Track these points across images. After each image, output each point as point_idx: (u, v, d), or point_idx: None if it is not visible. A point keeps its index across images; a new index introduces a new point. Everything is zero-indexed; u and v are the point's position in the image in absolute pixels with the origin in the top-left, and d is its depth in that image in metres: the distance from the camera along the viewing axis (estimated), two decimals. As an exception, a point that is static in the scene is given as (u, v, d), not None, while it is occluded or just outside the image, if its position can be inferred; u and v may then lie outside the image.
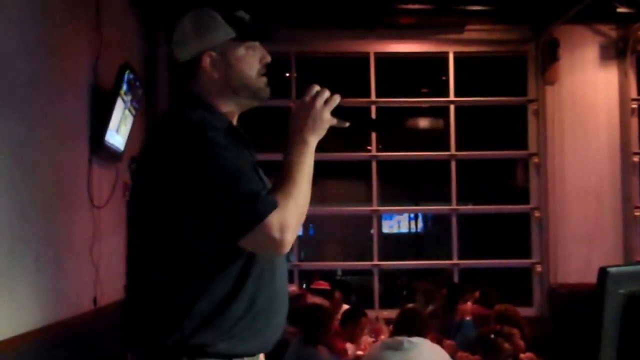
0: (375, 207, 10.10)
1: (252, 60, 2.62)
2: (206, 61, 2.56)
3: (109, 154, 6.85)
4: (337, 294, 8.24)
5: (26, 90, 5.17)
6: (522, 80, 10.08)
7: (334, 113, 2.52)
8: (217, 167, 2.30)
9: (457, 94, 10.03)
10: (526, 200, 10.08)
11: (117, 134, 6.90)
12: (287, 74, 10.16)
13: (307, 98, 2.51)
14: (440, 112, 10.48)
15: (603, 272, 1.84)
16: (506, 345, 5.65)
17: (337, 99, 2.53)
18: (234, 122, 2.68)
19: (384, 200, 10.44)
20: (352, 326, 6.85)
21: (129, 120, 7.22)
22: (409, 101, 10.39)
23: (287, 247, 2.33)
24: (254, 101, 2.68)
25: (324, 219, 11.01)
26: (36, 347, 5.14)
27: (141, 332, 2.44)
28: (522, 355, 5.94)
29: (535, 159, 9.93)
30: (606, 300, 1.83)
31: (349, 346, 6.73)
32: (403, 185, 11.61)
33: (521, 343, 5.96)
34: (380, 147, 10.09)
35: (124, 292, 2.63)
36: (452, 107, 10.01)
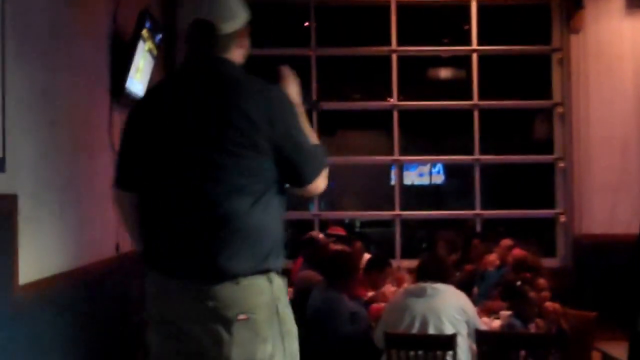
0: (396, 157, 10.01)
1: (248, 40, 3.06)
2: (242, 34, 2.98)
3: (129, 101, 6.78)
4: (358, 244, 8.20)
5: (48, 38, 5.11)
6: (546, 28, 9.92)
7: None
8: (299, 121, 2.81)
9: (479, 44, 9.88)
10: (550, 152, 9.96)
11: (137, 81, 6.84)
12: (307, 23, 10.04)
13: (286, 72, 3.07)
14: (462, 61, 10.33)
15: None
16: (532, 293, 5.59)
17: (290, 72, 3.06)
18: None
19: (405, 152, 10.33)
20: (376, 274, 6.81)
21: (149, 67, 7.15)
22: (430, 50, 10.26)
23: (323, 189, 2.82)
24: None
25: (345, 170, 10.90)
26: (60, 290, 5.14)
27: (242, 259, 2.73)
28: (547, 304, 5.88)
29: (560, 109, 9.79)
30: None
31: (371, 295, 6.70)
32: (425, 136, 11.49)
33: (546, 293, 5.91)
34: (401, 97, 9.97)
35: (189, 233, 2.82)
36: (474, 56, 9.88)
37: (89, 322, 5.72)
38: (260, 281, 2.77)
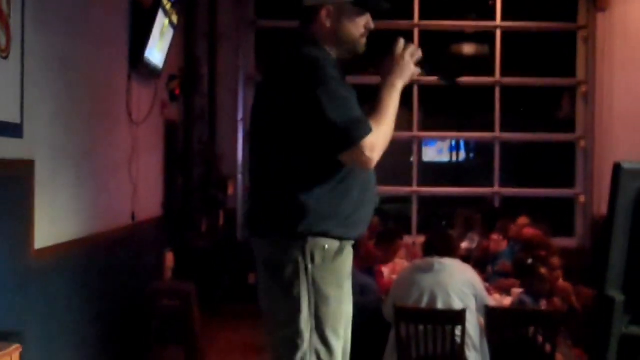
0: (415, 133, 10.00)
1: (359, 23, 3.11)
2: (324, 12, 3.08)
3: (148, 71, 6.81)
4: (374, 219, 8.19)
5: (67, 5, 5.13)
6: (572, 6, 9.83)
7: (417, 64, 3.08)
8: (332, 93, 2.87)
9: (504, 19, 9.81)
10: (572, 130, 9.91)
11: (157, 51, 6.85)
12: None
13: (398, 50, 3.07)
14: (485, 37, 10.26)
15: (617, 167, 1.94)
16: (543, 270, 5.58)
17: (420, 52, 3.11)
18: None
19: (425, 128, 10.31)
20: (387, 246, 6.79)
21: (168, 37, 7.16)
22: (453, 25, 10.20)
23: (374, 164, 2.92)
24: (349, 55, 3.17)
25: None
26: (74, 256, 5.20)
27: (275, 222, 3.01)
28: (559, 283, 5.88)
29: (583, 88, 9.73)
30: (619, 194, 1.94)
31: (385, 269, 6.70)
32: (445, 113, 11.45)
33: (559, 273, 5.90)
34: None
35: (250, 195, 3.25)
36: (498, 32, 9.81)
37: (103, 288, 5.78)
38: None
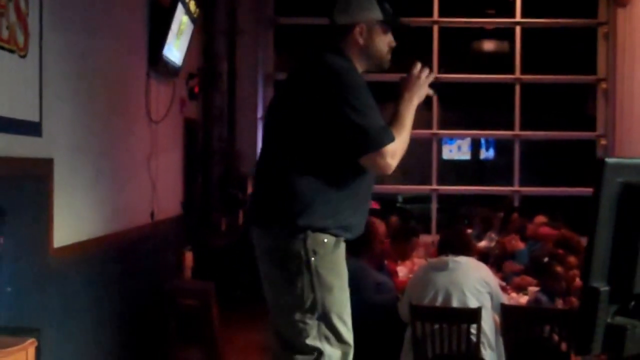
0: (435, 130, 9.99)
1: (386, 41, 3.40)
2: (357, 30, 3.35)
3: (166, 69, 6.84)
4: (393, 218, 8.19)
5: (85, 3, 5.16)
6: (592, 2, 9.78)
7: (430, 85, 3.36)
8: (362, 100, 3.13)
9: (523, 16, 9.78)
10: (592, 128, 9.86)
11: (175, 49, 6.88)
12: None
13: (415, 72, 3.32)
14: (505, 34, 10.24)
15: (601, 162, 2.03)
16: (559, 269, 5.56)
17: (433, 76, 3.37)
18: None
19: (444, 126, 10.31)
20: (403, 244, 6.78)
21: (187, 36, 7.18)
22: (473, 22, 10.19)
23: (391, 170, 3.17)
24: (376, 70, 3.45)
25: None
26: (93, 254, 5.23)
27: (277, 213, 3.21)
28: (577, 282, 5.86)
29: (604, 85, 9.69)
30: (603, 188, 2.03)
31: (401, 268, 6.69)
32: (465, 110, 11.44)
33: (575, 272, 5.86)
34: (442, 69, 9.93)
35: (255, 186, 3.51)
36: (518, 29, 9.78)
37: (122, 287, 5.81)
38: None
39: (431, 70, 3.38)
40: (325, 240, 3.18)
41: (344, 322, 3.24)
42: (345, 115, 3.09)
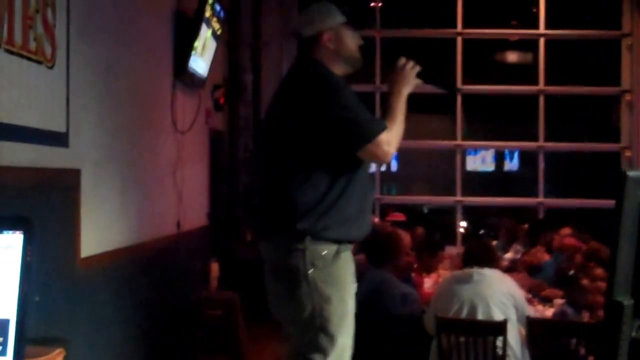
0: (459, 142, 9.97)
1: (355, 40, 3.54)
2: (325, 37, 3.49)
3: (192, 80, 6.87)
4: (419, 230, 8.18)
5: (112, 14, 5.20)
6: (616, 13, 9.73)
7: (418, 76, 3.47)
8: (348, 98, 3.29)
9: (547, 27, 9.75)
10: (616, 140, 9.81)
11: (200, 60, 6.91)
12: (372, 4, 10.04)
13: (400, 64, 3.45)
14: (529, 45, 10.22)
15: (623, 175, 2.00)
16: (585, 281, 5.53)
17: (418, 67, 3.46)
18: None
19: (468, 137, 10.30)
20: (429, 257, 6.79)
21: (212, 47, 7.22)
22: (496, 33, 10.17)
23: (390, 157, 3.34)
24: (352, 69, 3.58)
25: (407, 154, 10.91)
26: (120, 264, 5.26)
27: (277, 221, 3.34)
28: (598, 297, 5.81)
29: (628, 96, 9.63)
30: (625, 201, 2.00)
31: (426, 280, 6.68)
32: (489, 122, 11.42)
33: (602, 284, 5.82)
34: (465, 81, 9.92)
35: (259, 196, 3.60)
36: (542, 40, 9.75)
37: (148, 297, 5.83)
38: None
39: (416, 63, 3.47)
40: (325, 252, 3.27)
41: (343, 334, 3.32)
42: (335, 115, 3.24)
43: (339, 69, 3.50)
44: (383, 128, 3.26)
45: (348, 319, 3.35)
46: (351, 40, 3.52)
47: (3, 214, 2.47)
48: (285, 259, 3.29)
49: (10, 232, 2.10)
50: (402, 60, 3.48)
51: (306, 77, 3.44)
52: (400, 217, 8.67)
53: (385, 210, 9.83)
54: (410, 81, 3.45)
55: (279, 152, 3.40)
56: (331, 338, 3.27)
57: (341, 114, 3.24)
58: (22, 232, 2.10)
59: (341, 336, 3.30)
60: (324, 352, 3.27)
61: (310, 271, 3.25)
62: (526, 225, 8.32)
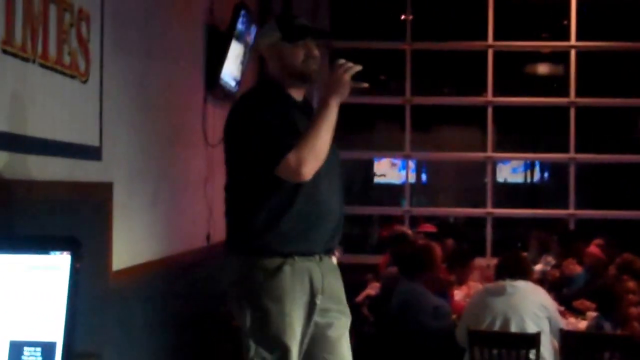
0: (489, 154, 9.93)
1: (296, 54, 3.51)
2: (266, 55, 3.63)
3: (223, 93, 6.90)
4: (449, 241, 8.16)
5: (145, 29, 5.23)
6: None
7: (354, 77, 3.38)
8: (258, 123, 3.35)
9: (578, 39, 9.72)
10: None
11: (232, 73, 6.95)
12: (403, 16, 10.04)
13: (333, 69, 3.40)
14: (559, 57, 10.18)
15: None
16: (618, 293, 5.49)
17: (356, 68, 3.39)
18: (298, 96, 3.61)
19: (499, 149, 10.27)
20: (459, 268, 6.77)
21: (244, 59, 7.25)
22: (527, 45, 10.14)
23: (305, 176, 3.28)
24: (302, 83, 3.59)
25: (437, 166, 10.92)
26: (151, 277, 5.27)
27: (229, 237, 3.58)
28: (631, 309, 5.77)
29: (660, 108, 9.55)
30: None
31: (457, 292, 6.67)
32: (519, 133, 11.39)
33: (634, 297, 5.78)
34: (496, 93, 9.89)
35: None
36: (573, 52, 9.71)
37: (179, 309, 5.84)
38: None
39: (355, 64, 3.42)
40: (266, 265, 3.37)
41: (282, 348, 3.38)
42: (246, 139, 3.38)
43: (290, 83, 3.56)
44: (287, 150, 3.27)
45: (291, 332, 3.39)
46: (291, 55, 3.52)
47: (51, 234, 2.47)
48: (231, 276, 3.49)
49: (58, 252, 2.08)
50: (339, 62, 3.43)
51: (238, 99, 3.70)
52: (431, 228, 8.65)
53: (416, 221, 9.80)
54: (340, 87, 3.38)
55: (227, 171, 3.61)
56: (271, 352, 3.39)
57: (250, 138, 3.36)
58: (69, 252, 2.08)
59: (279, 351, 3.38)
60: None
61: (250, 286, 3.38)
62: (556, 237, 8.27)
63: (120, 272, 4.67)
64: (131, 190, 4.94)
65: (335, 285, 3.60)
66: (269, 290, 3.36)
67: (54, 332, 1.98)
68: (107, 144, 4.47)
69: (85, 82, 4.20)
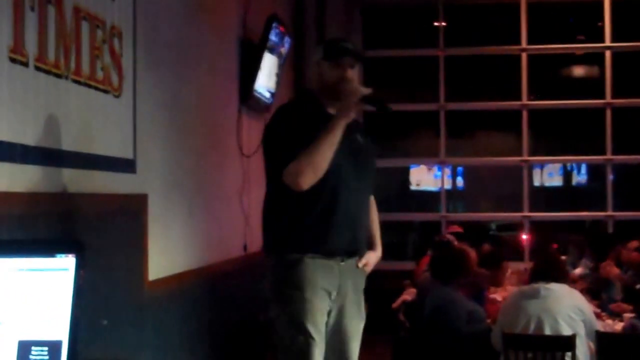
0: (525, 157, 9.91)
1: (332, 73, 3.78)
2: (311, 73, 3.98)
3: (257, 104, 6.97)
4: (486, 246, 8.14)
5: (178, 42, 5.30)
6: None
7: (363, 101, 3.70)
8: (279, 133, 3.71)
9: (613, 40, 9.67)
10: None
11: (266, 84, 7.01)
12: (436, 23, 10.06)
13: (344, 92, 3.68)
14: (594, 59, 10.13)
15: None
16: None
17: (363, 91, 3.69)
18: (333, 110, 3.76)
19: (535, 152, 10.25)
20: (494, 270, 6.76)
21: (277, 70, 7.31)
22: (561, 47, 10.11)
23: (302, 186, 3.54)
24: (335, 100, 3.72)
25: (474, 171, 10.91)
26: (187, 287, 5.34)
27: (263, 239, 3.90)
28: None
29: (697, 106, 9.46)
30: None
31: (496, 296, 6.66)
32: (555, 136, 11.33)
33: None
34: (531, 96, 9.88)
35: None
36: (608, 53, 9.66)
37: (216, 319, 5.89)
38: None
39: (362, 87, 3.77)
40: (287, 260, 3.65)
41: (305, 331, 3.59)
42: (266, 146, 3.79)
43: (327, 98, 3.79)
44: (289, 160, 3.54)
45: (312, 318, 3.61)
46: (328, 73, 3.79)
47: (56, 238, 2.56)
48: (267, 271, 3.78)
49: (63, 255, 2.16)
50: (347, 85, 3.72)
51: (275, 110, 3.96)
52: (457, 229, 8.65)
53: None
54: (345, 110, 3.64)
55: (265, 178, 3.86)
56: (300, 332, 3.60)
57: (269, 145, 3.77)
58: (74, 255, 2.15)
59: (305, 333, 3.59)
60: (286, 348, 3.66)
61: (275, 278, 3.71)
62: (588, 241, 8.24)
63: (156, 282, 4.74)
64: (167, 201, 5.00)
65: (354, 287, 3.82)
66: (290, 279, 3.64)
67: (60, 331, 2.06)
68: (142, 157, 4.54)
69: (118, 96, 4.27)
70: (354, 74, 3.83)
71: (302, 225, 3.67)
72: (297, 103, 4.02)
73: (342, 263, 3.72)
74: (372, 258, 3.92)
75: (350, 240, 3.75)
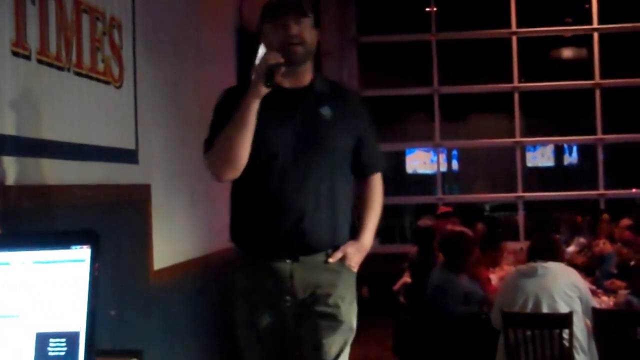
0: (517, 139, 9.99)
1: (274, 33, 3.31)
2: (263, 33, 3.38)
3: (254, 93, 6.96)
4: (480, 226, 8.20)
5: (176, 33, 5.32)
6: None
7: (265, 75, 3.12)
8: (214, 114, 3.43)
9: (600, 22, 9.73)
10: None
11: (263, 73, 7.01)
12: (427, 9, 10.11)
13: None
14: (583, 41, 10.21)
15: None
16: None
17: (273, 59, 3.15)
18: (291, 83, 3.35)
19: (527, 134, 10.33)
20: (492, 251, 6.81)
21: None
22: (550, 30, 10.17)
23: (220, 177, 3.27)
24: (290, 61, 3.20)
25: (467, 153, 10.96)
26: (191, 276, 5.38)
27: None
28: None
29: (685, 86, 9.54)
30: None
31: (493, 276, 6.72)
32: (546, 117, 11.40)
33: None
34: (522, 79, 9.95)
35: None
36: (595, 35, 9.73)
37: (220, 307, 5.90)
38: None
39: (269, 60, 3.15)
40: (239, 252, 3.35)
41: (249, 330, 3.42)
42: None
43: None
44: (206, 149, 3.30)
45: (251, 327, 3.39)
46: (271, 34, 3.31)
47: (71, 229, 2.58)
48: None
49: (78, 246, 2.17)
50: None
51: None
52: (447, 209, 8.72)
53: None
54: (253, 88, 3.14)
55: None
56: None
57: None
58: (89, 246, 2.16)
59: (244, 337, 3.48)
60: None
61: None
62: (588, 217, 8.32)
63: (161, 272, 4.76)
64: (169, 191, 5.02)
65: (324, 290, 3.21)
66: (236, 283, 3.35)
67: (77, 323, 2.08)
68: (144, 147, 4.56)
69: (119, 87, 4.30)
70: (303, 30, 3.26)
71: (240, 219, 3.33)
72: (244, 82, 3.32)
73: (294, 263, 3.17)
74: (350, 250, 3.23)
75: (299, 235, 3.15)
